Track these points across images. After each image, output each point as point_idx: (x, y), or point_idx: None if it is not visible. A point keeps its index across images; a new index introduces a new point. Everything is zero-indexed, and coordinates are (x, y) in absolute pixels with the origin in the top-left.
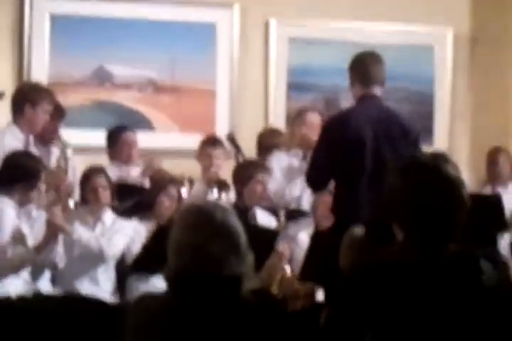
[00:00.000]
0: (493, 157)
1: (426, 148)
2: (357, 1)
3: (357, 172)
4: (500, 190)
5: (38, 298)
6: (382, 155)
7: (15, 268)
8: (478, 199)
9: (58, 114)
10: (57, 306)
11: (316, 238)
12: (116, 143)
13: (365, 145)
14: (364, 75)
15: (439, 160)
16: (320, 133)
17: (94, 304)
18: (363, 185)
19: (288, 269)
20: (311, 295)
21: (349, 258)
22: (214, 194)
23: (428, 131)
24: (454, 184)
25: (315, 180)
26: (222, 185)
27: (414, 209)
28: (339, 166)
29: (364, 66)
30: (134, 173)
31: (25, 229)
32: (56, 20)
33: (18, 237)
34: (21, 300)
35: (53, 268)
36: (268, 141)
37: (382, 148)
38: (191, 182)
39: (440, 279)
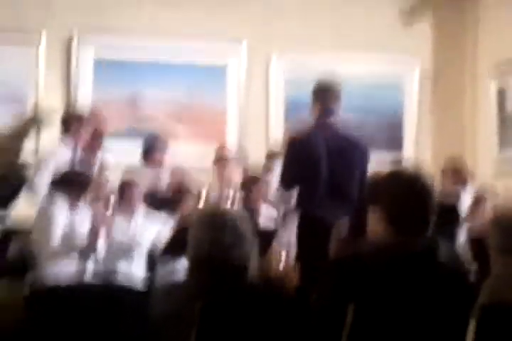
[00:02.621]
0: (445, 168)
1: (397, 156)
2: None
3: (315, 178)
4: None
5: (82, 287)
6: (335, 164)
7: (65, 253)
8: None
9: (102, 128)
10: (98, 294)
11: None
12: (150, 149)
13: (321, 158)
14: (322, 96)
15: (418, 174)
16: (286, 146)
17: (129, 292)
18: (320, 187)
19: (284, 253)
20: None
21: (335, 249)
22: (228, 193)
23: (399, 143)
24: (429, 192)
25: (285, 182)
26: (235, 185)
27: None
28: (302, 172)
29: (322, 88)
30: (165, 174)
31: (75, 222)
32: (98, 64)
33: (69, 228)
34: (68, 288)
35: (96, 252)
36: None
37: (334, 160)
38: (210, 185)
39: (409, 261)
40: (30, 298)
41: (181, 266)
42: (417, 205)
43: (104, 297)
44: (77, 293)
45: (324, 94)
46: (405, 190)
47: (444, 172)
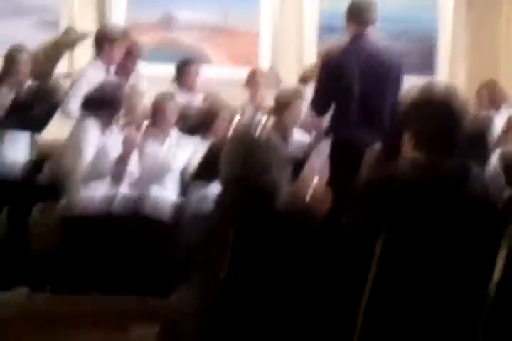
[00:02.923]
0: (480, 91)
1: (429, 79)
2: None
3: (347, 100)
4: (493, 113)
5: (110, 216)
6: (368, 86)
7: (98, 176)
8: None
9: (135, 50)
10: (126, 224)
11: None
12: (184, 73)
13: (354, 79)
14: (358, 17)
15: (450, 95)
16: (320, 68)
17: (156, 223)
18: (352, 110)
19: (316, 178)
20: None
21: (368, 170)
22: (261, 117)
23: (432, 65)
24: (459, 111)
25: (317, 106)
26: (267, 110)
27: (426, 127)
28: (335, 95)
29: (357, 9)
30: (197, 99)
31: (108, 145)
32: None
33: (101, 151)
34: (96, 218)
35: (129, 175)
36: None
37: (367, 81)
38: (243, 110)
39: (441, 184)
40: (61, 225)
41: (212, 191)
42: (445, 127)
43: (132, 228)
44: (104, 224)
45: (359, 15)
46: (434, 113)
47: (478, 94)
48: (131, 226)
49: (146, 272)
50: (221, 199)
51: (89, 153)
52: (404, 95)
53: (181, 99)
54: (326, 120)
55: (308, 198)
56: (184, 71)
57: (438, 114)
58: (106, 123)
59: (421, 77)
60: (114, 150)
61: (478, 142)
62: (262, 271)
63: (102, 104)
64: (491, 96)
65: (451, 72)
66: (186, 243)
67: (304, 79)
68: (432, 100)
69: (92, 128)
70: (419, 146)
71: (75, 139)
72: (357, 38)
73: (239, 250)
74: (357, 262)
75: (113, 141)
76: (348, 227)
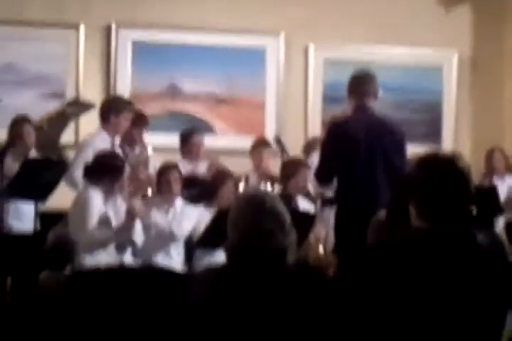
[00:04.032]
0: (490, 154)
1: (435, 148)
2: (379, 27)
3: (353, 166)
4: (496, 181)
5: (122, 268)
6: (373, 152)
7: (101, 245)
8: (478, 189)
9: (140, 120)
10: (138, 275)
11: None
12: (187, 143)
13: (360, 145)
14: (358, 90)
15: (454, 156)
16: (325, 137)
17: (168, 274)
18: (358, 177)
19: (321, 247)
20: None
21: (374, 238)
22: (265, 186)
23: (437, 134)
24: (464, 176)
25: (322, 175)
26: (271, 179)
27: (429, 194)
28: (340, 161)
29: (357, 82)
30: (201, 168)
31: (111, 214)
32: (137, 46)
33: (104, 220)
34: (108, 270)
35: (133, 244)
36: (309, 148)
37: (373, 147)
38: (247, 178)
39: (445, 252)
40: (71, 280)
41: (217, 259)
42: (448, 194)
43: (144, 279)
44: (117, 275)
45: (359, 88)
46: (436, 178)
47: (486, 159)
48: (140, 283)
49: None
50: (227, 262)
51: (92, 222)
52: (408, 163)
53: (185, 168)
54: (330, 187)
55: (313, 264)
56: (188, 140)
57: (441, 179)
58: (108, 192)
59: (426, 146)
60: (118, 218)
61: (489, 196)
62: (268, 335)
63: (103, 173)
64: (498, 162)
65: (457, 140)
66: (193, 303)
67: (308, 149)
68: (434, 164)
69: (95, 197)
70: (422, 216)
71: (78, 207)
72: (359, 109)
73: (243, 313)
74: (365, 324)
75: (117, 209)
76: (355, 289)
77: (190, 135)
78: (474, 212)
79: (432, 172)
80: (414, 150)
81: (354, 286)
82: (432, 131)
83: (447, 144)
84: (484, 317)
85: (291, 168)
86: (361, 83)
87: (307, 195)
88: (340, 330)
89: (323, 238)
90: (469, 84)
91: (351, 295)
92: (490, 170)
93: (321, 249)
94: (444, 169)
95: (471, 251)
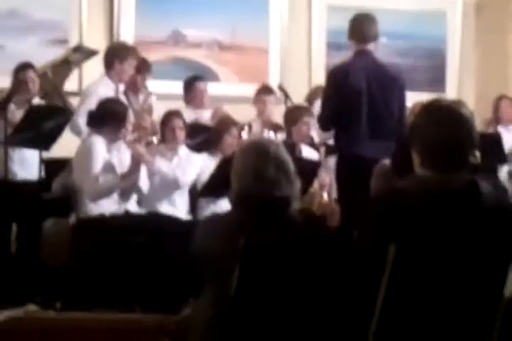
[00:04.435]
0: (498, 102)
1: (439, 95)
2: None
3: (356, 113)
4: (501, 130)
5: (127, 215)
6: (375, 98)
7: (106, 193)
8: (482, 136)
9: (144, 67)
10: (142, 222)
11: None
12: (191, 90)
13: (362, 91)
14: (359, 34)
15: (457, 102)
16: (326, 83)
17: (172, 220)
18: (360, 123)
19: (325, 194)
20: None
21: (377, 186)
22: (268, 134)
23: (441, 82)
24: (467, 122)
25: (325, 121)
26: (275, 127)
27: (431, 141)
28: (342, 107)
29: (358, 26)
30: (205, 116)
31: (115, 161)
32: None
33: (108, 168)
34: (114, 217)
35: (138, 191)
36: (312, 96)
37: (374, 93)
38: (250, 126)
39: (448, 200)
40: (77, 227)
41: (222, 208)
42: (451, 142)
43: (148, 225)
44: (122, 221)
45: (359, 32)
46: (438, 125)
47: (494, 106)
48: (146, 225)
49: (157, 287)
50: (231, 210)
51: (96, 169)
52: (410, 110)
53: (189, 115)
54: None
55: (317, 211)
56: (192, 88)
57: (443, 126)
58: (112, 139)
59: (430, 93)
60: (122, 166)
61: (494, 144)
62: (272, 283)
63: (106, 120)
64: (505, 110)
65: (460, 88)
66: (196, 251)
67: (311, 97)
68: (436, 110)
69: (99, 144)
70: (425, 164)
71: (82, 155)
72: (360, 54)
73: (249, 262)
74: (369, 273)
75: (121, 156)
76: (357, 240)
77: (194, 82)
78: (478, 159)
79: (435, 118)
80: (418, 97)
81: (358, 234)
82: (436, 78)
83: (451, 92)
84: (488, 262)
85: (294, 115)
86: (361, 27)
87: (311, 143)
88: (343, 278)
89: (327, 185)
90: (474, 29)
91: (353, 249)
92: (495, 118)
93: (325, 197)
94: (446, 115)
95: (474, 199)
